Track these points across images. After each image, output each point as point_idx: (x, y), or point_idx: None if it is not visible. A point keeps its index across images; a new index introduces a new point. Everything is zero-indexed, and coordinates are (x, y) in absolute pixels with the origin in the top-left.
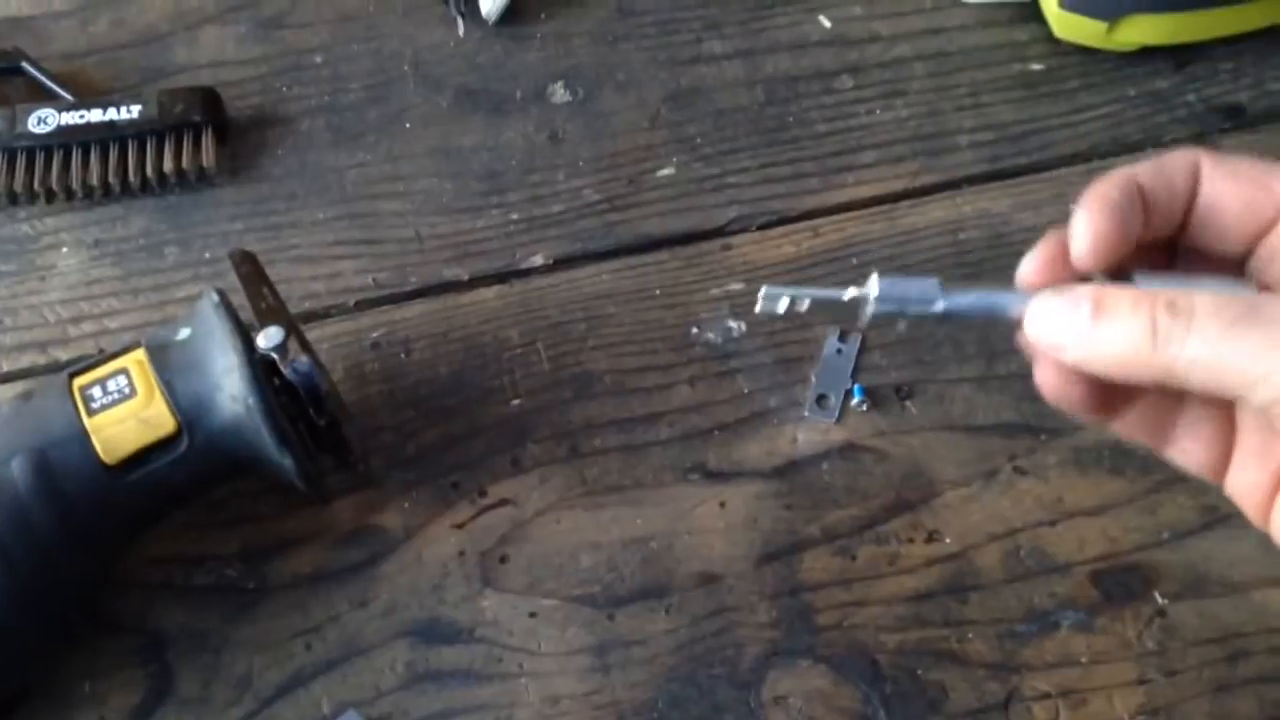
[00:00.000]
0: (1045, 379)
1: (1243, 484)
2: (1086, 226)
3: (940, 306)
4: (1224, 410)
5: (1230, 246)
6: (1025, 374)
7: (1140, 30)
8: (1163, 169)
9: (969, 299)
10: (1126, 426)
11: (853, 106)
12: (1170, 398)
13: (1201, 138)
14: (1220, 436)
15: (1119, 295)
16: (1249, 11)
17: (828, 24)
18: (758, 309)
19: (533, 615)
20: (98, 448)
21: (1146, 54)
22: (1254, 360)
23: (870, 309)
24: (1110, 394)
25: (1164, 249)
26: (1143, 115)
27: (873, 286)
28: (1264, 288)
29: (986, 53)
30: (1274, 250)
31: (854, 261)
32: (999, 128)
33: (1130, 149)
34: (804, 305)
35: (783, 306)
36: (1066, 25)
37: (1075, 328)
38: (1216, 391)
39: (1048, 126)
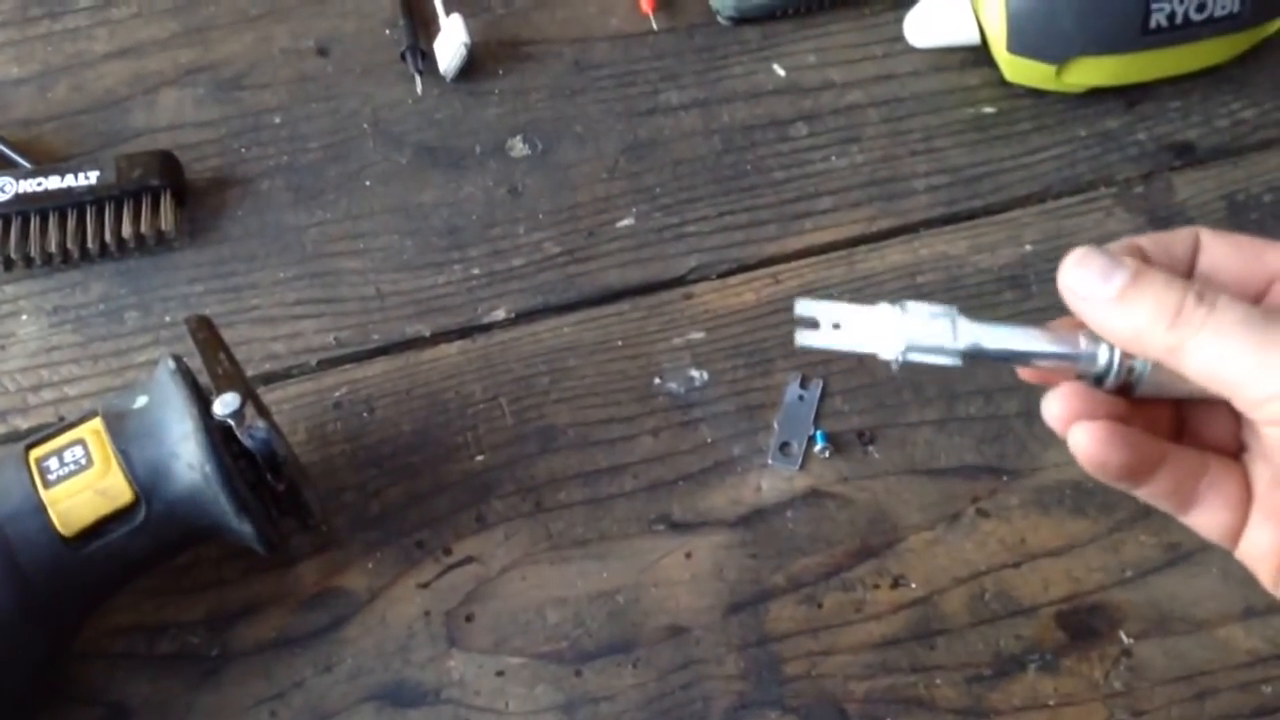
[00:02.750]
0: (1085, 448)
1: (1256, 546)
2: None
3: (960, 352)
4: (1242, 474)
5: None
6: (986, 416)
7: (1088, 72)
8: (1164, 238)
9: (994, 342)
10: (1151, 493)
11: (809, 154)
12: (1194, 461)
13: (1152, 176)
14: (1239, 501)
15: (1154, 273)
16: (1193, 52)
17: (782, 72)
18: (798, 338)
19: (500, 674)
20: (55, 520)
21: (1096, 95)
22: (1249, 360)
23: (899, 355)
24: (1143, 459)
25: None
26: (1095, 155)
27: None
28: None
29: (939, 97)
30: None
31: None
32: (953, 171)
33: (1083, 189)
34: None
35: (822, 334)
36: (1016, 69)
37: (1109, 289)
38: (1210, 382)
39: (1001, 169)
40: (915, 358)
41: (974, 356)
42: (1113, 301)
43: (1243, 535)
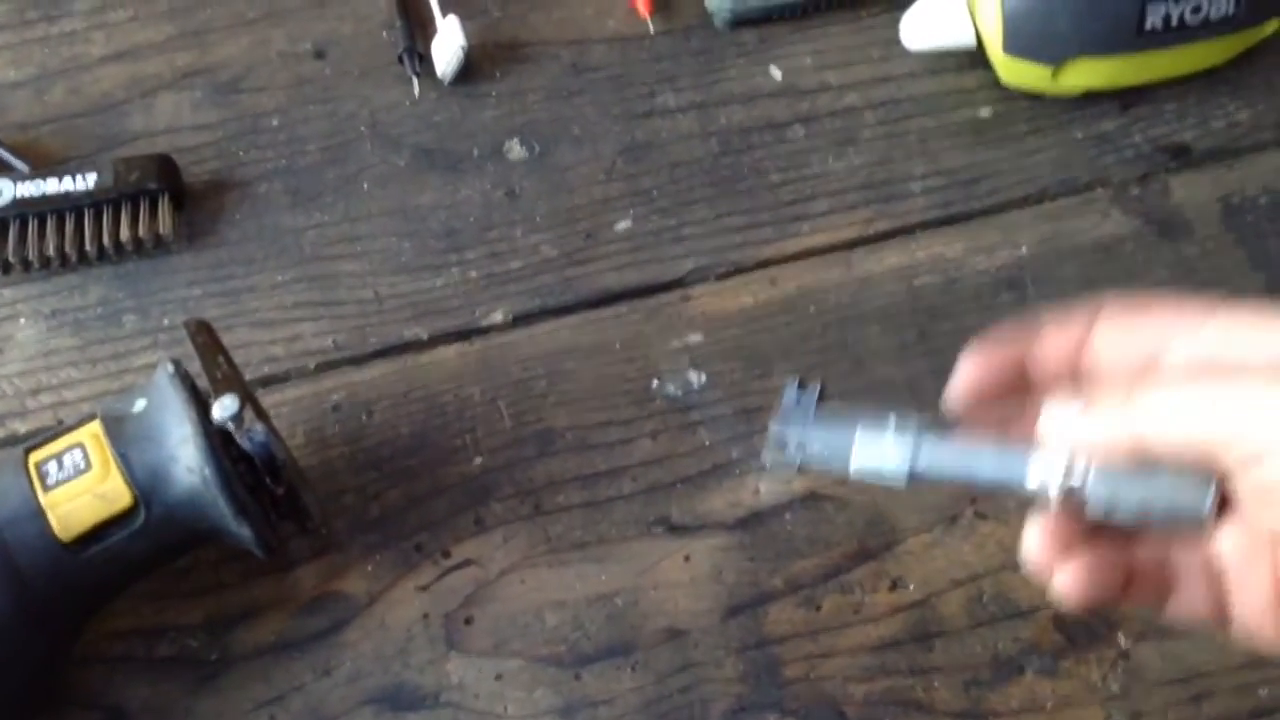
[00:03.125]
0: (1079, 583)
1: (1246, 615)
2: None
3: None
4: (1206, 555)
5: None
6: None
7: (1084, 74)
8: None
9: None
10: (1132, 599)
11: (805, 156)
12: (1159, 551)
13: (1148, 178)
14: (1214, 578)
15: (1105, 393)
16: (1188, 54)
17: (779, 75)
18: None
19: (499, 677)
20: (54, 524)
21: (1092, 97)
22: (1221, 410)
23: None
24: (1125, 576)
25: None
26: (1091, 157)
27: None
28: None
29: (935, 100)
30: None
31: (811, 309)
32: (950, 173)
33: (1079, 191)
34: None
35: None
36: (1012, 71)
37: (1070, 417)
38: (1188, 448)
39: (998, 170)
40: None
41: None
42: (1081, 420)
43: (1230, 609)
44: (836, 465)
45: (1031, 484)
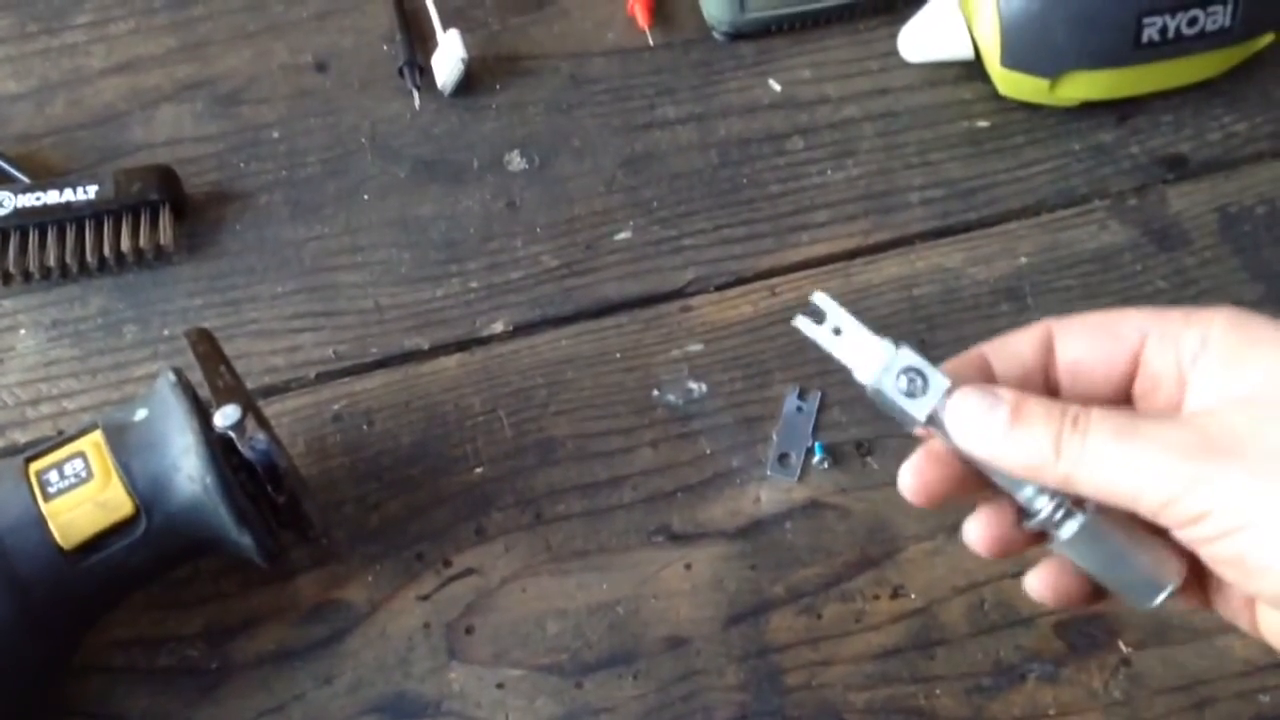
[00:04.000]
0: (1040, 588)
1: (1227, 599)
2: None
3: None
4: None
5: (1107, 395)
6: None
7: (1081, 86)
8: (1006, 344)
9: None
10: (1103, 604)
11: (805, 167)
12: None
13: (1146, 189)
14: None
15: (1033, 405)
16: (1185, 66)
17: (778, 87)
18: (798, 320)
19: (500, 686)
20: (55, 533)
21: (1089, 109)
22: (1130, 473)
23: (869, 388)
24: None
25: None
26: (1088, 168)
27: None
28: None
29: (933, 111)
30: (1148, 392)
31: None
32: (948, 184)
33: (1077, 202)
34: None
35: (820, 330)
36: (1009, 83)
37: (991, 431)
38: (1110, 500)
39: (996, 182)
40: (880, 400)
41: (932, 426)
42: (1000, 440)
43: (1213, 593)
44: (857, 370)
45: (1020, 500)
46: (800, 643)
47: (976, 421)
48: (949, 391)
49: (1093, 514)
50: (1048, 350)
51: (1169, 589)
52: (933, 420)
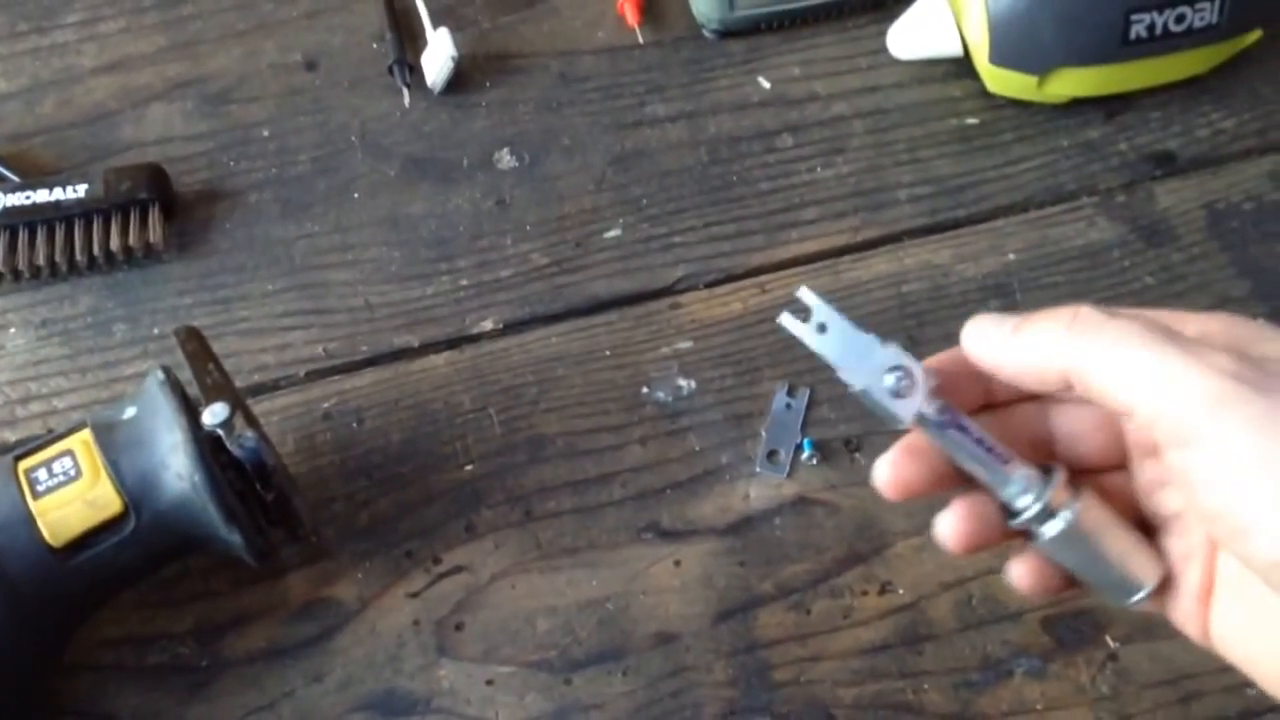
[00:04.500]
0: (1023, 579)
1: (1180, 606)
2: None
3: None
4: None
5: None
6: None
7: (1069, 83)
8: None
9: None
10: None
11: (794, 164)
12: None
13: (1134, 185)
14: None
15: (1040, 314)
16: (1172, 63)
17: (767, 85)
18: (783, 319)
19: (490, 683)
20: (44, 531)
21: (1077, 105)
22: (1152, 374)
23: (856, 389)
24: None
25: (1036, 402)
26: (1076, 165)
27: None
28: None
29: (922, 109)
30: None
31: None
32: (937, 181)
33: (1065, 198)
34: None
35: (805, 328)
36: (998, 80)
37: (1000, 334)
38: (1116, 397)
39: (984, 179)
40: (866, 399)
41: (918, 425)
42: (1011, 335)
43: (1171, 599)
44: (844, 369)
45: (1003, 498)
46: (789, 639)
47: (987, 330)
48: (936, 390)
49: (1076, 513)
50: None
51: (1147, 589)
52: (920, 420)
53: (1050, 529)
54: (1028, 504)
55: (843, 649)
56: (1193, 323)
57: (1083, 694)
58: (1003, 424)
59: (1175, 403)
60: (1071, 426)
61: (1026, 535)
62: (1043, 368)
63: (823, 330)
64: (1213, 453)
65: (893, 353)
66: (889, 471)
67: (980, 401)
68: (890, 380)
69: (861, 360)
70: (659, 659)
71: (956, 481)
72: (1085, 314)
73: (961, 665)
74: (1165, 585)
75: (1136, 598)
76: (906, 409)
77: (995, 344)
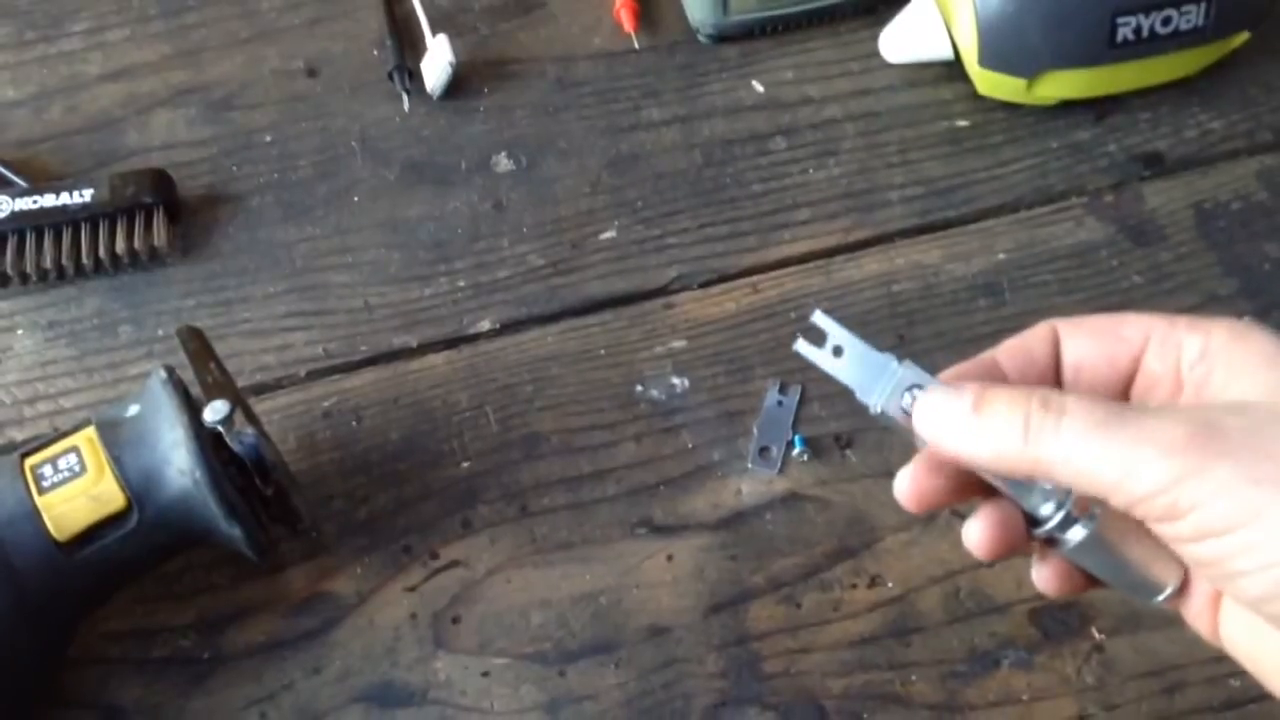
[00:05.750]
0: (1048, 582)
1: (1191, 609)
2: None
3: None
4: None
5: (1107, 396)
6: None
7: (1058, 85)
8: (1021, 345)
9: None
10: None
11: (787, 167)
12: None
13: (1122, 186)
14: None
15: (997, 390)
16: (1160, 65)
17: (760, 88)
18: (799, 345)
19: (485, 675)
20: (49, 525)
21: (1067, 107)
22: (1112, 463)
23: (874, 409)
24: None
25: None
26: (1066, 166)
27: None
28: None
29: (913, 111)
30: (1145, 393)
31: (792, 315)
32: (928, 182)
33: (1054, 199)
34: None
35: (820, 352)
36: (988, 82)
37: (957, 420)
38: (1084, 488)
39: (975, 180)
40: (886, 419)
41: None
42: (965, 429)
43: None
44: (860, 390)
45: (1027, 508)
46: (779, 631)
47: (939, 413)
48: None
49: (1097, 521)
50: (1056, 350)
51: (1169, 590)
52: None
53: (1073, 536)
54: (1050, 513)
55: (832, 641)
56: (1199, 329)
57: (1068, 685)
58: None
59: (1141, 488)
60: None
61: (1049, 542)
62: (1002, 467)
63: (838, 354)
64: (1191, 523)
65: (909, 371)
66: (910, 485)
67: None
68: (908, 399)
69: (878, 380)
70: (651, 651)
71: (977, 492)
72: (1036, 417)
73: (949, 657)
74: (1185, 585)
75: (1159, 598)
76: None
77: (951, 435)
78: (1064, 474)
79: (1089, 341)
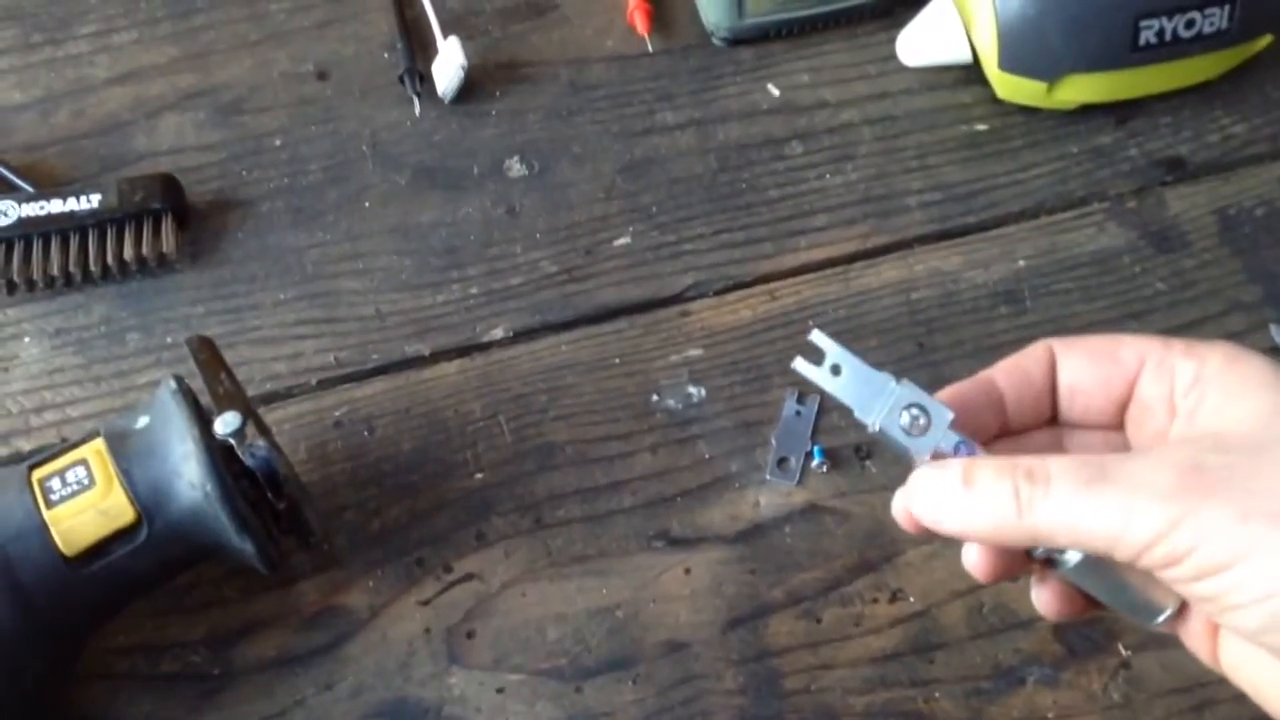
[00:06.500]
0: (1048, 605)
1: (1189, 629)
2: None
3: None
4: None
5: (1102, 419)
6: None
7: (1079, 89)
8: (1018, 365)
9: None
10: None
11: (803, 172)
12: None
13: (1144, 191)
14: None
15: (983, 465)
16: (1183, 68)
17: (776, 92)
18: (797, 364)
19: (500, 691)
20: (57, 540)
21: (1088, 111)
22: (1108, 519)
23: (872, 428)
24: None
25: (1049, 428)
26: (1086, 171)
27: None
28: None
29: (932, 115)
30: (1139, 418)
31: (810, 323)
32: (947, 188)
33: (1075, 204)
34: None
35: (818, 371)
36: (1008, 86)
37: (949, 500)
38: (1087, 548)
39: (994, 185)
40: (884, 438)
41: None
42: (960, 507)
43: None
44: (859, 409)
45: None
46: (799, 647)
47: (931, 492)
48: (952, 423)
49: None
50: (1052, 370)
51: (1168, 612)
52: (938, 456)
53: (1071, 557)
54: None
55: (853, 657)
56: (1193, 355)
57: (1095, 702)
58: (1019, 453)
59: (1140, 538)
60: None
61: (1048, 563)
62: (1004, 539)
63: (836, 372)
64: (1189, 566)
65: (907, 390)
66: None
67: (996, 431)
68: (906, 418)
69: (876, 399)
70: (669, 667)
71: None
72: (1024, 490)
73: (973, 673)
74: (1185, 607)
75: (1159, 620)
76: (924, 446)
77: (950, 509)
78: (1064, 539)
79: (1085, 364)
